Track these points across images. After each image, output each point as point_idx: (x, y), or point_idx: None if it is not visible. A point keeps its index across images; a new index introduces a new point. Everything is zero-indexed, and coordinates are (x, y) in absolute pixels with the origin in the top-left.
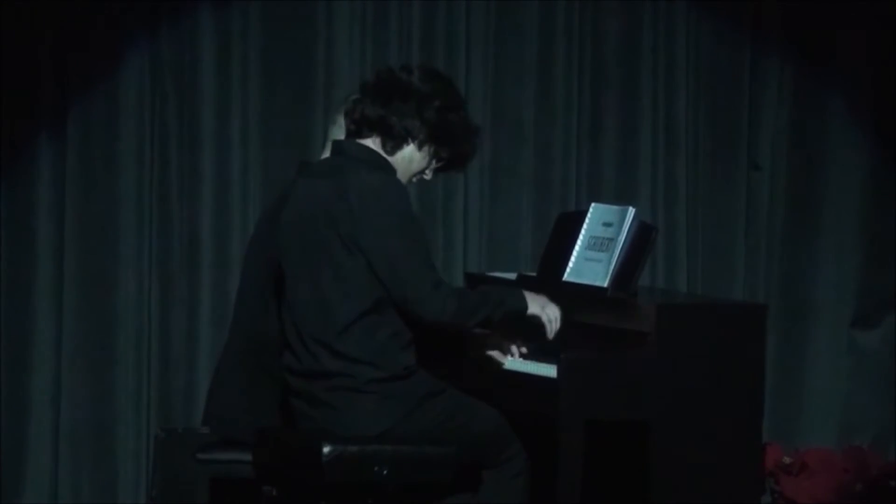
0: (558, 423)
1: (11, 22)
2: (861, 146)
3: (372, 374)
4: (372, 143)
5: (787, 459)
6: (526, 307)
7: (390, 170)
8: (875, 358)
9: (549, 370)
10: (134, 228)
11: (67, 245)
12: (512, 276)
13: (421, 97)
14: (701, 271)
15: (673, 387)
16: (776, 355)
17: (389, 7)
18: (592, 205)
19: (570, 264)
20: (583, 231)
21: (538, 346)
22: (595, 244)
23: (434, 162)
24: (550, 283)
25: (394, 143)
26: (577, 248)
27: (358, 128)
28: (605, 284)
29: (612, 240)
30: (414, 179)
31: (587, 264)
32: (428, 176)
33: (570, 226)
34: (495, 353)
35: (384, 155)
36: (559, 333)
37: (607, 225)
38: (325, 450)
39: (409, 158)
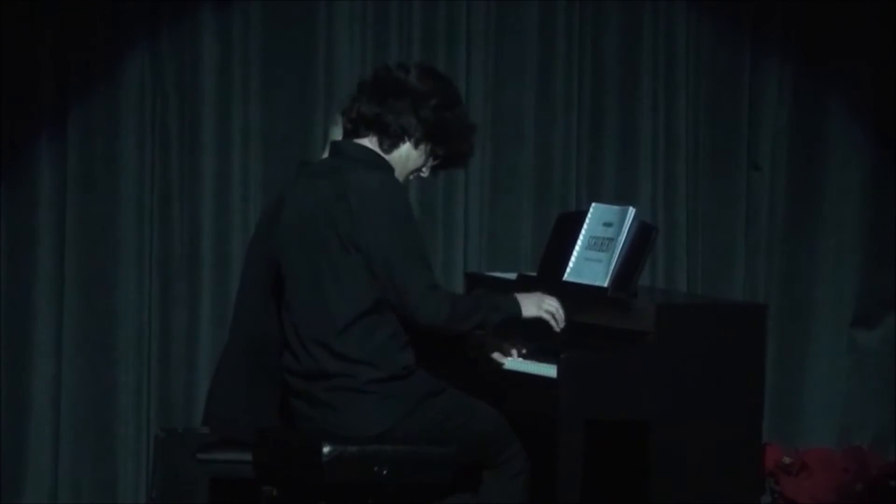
0: (558, 423)
1: (12, 22)
2: (861, 146)
3: (371, 375)
4: (369, 142)
5: (787, 459)
6: (520, 312)
7: (388, 169)
8: (875, 358)
9: (549, 370)
10: (134, 228)
11: (68, 245)
12: (512, 276)
13: (417, 95)
14: (701, 271)
15: (673, 387)
16: (776, 355)
17: (390, 7)
18: (592, 205)
19: (571, 264)
20: (583, 231)
21: (538, 346)
22: (595, 244)
23: (431, 160)
24: (550, 283)
25: (391, 142)
26: (577, 248)
27: (355, 127)
28: (605, 284)
29: (612, 240)
30: (411, 177)
31: (587, 264)
32: (425, 173)
33: (570, 226)
34: (495, 354)
35: (381, 154)
36: (565, 322)
37: (607, 225)
38: (325, 450)
39: (406, 156)
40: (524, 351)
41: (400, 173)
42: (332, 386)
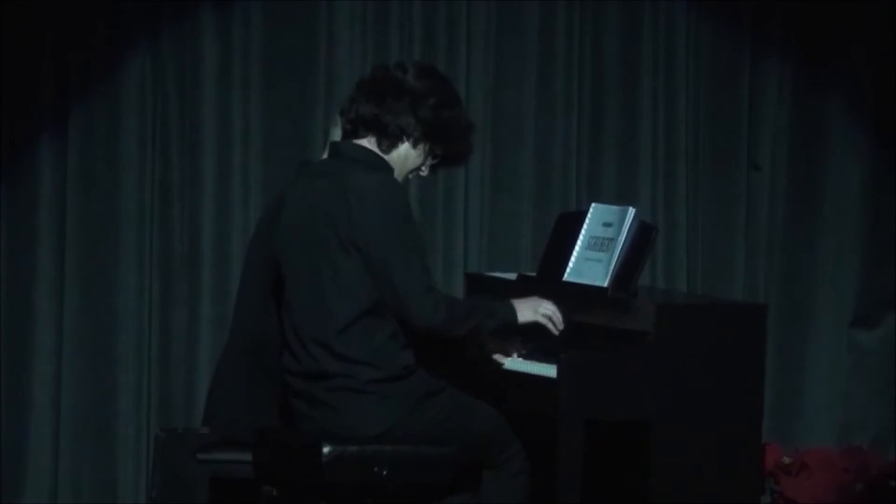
0: (558, 423)
1: (12, 21)
2: (861, 146)
3: (371, 375)
4: (368, 142)
5: (786, 459)
6: (517, 318)
7: (388, 169)
8: (875, 358)
9: (549, 370)
10: (135, 228)
11: (68, 245)
12: (512, 276)
13: (415, 95)
14: (701, 271)
15: (673, 387)
16: (776, 355)
17: (390, 7)
18: (592, 205)
19: (570, 264)
20: (583, 231)
21: (538, 346)
22: (595, 244)
23: (430, 159)
24: (550, 283)
25: (389, 142)
26: (577, 248)
27: (354, 127)
28: (605, 284)
29: (612, 240)
30: (410, 176)
31: (587, 264)
32: (424, 172)
33: (570, 226)
34: (495, 354)
35: (380, 154)
36: (563, 324)
37: (607, 225)
38: (325, 450)
39: (405, 156)
40: (524, 351)
41: (399, 173)
42: (332, 386)
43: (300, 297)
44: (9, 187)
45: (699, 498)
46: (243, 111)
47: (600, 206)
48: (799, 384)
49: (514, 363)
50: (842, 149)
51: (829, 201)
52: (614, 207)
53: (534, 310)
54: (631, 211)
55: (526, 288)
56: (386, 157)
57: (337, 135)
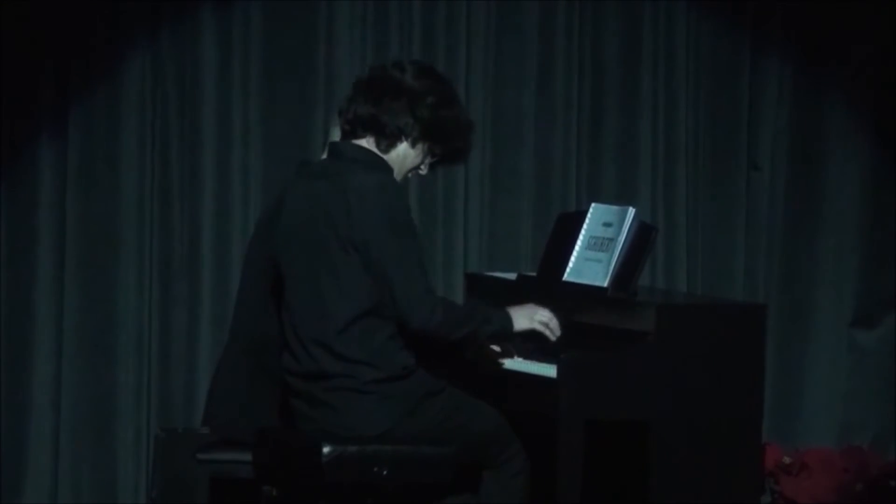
0: (558, 423)
1: (12, 22)
2: (861, 146)
3: (372, 375)
4: (366, 142)
5: (787, 459)
6: (513, 326)
7: (387, 170)
8: (875, 358)
9: (549, 370)
10: (134, 228)
11: (68, 245)
12: (512, 276)
13: (413, 94)
14: (701, 271)
15: (673, 387)
16: (776, 355)
17: (390, 7)
18: (592, 205)
19: (570, 264)
20: (583, 231)
21: (538, 346)
22: (595, 244)
23: (429, 158)
24: (550, 283)
25: (388, 142)
26: (577, 248)
27: (352, 128)
28: (605, 284)
29: (612, 240)
30: (409, 175)
31: (587, 264)
32: (424, 171)
33: (570, 226)
34: (496, 352)
35: (379, 154)
36: (560, 330)
37: (607, 225)
38: (325, 450)
39: (404, 156)
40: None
41: (398, 172)
42: (333, 386)
43: (300, 297)
44: (9, 187)
45: (699, 498)
46: (243, 111)
47: (600, 206)
48: (799, 384)
49: (514, 363)
50: (842, 149)
51: (829, 201)
52: (614, 207)
53: (530, 317)
54: (631, 211)
55: (526, 288)
56: (385, 156)
57: (336, 135)
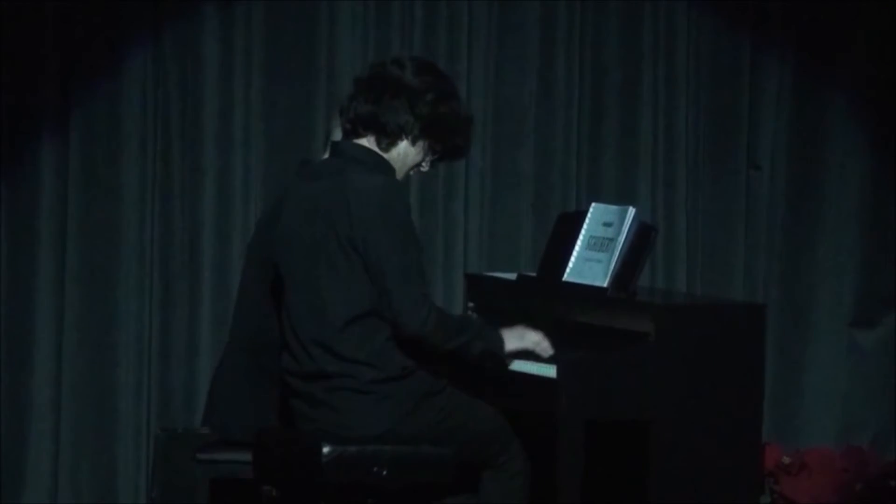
0: (558, 423)
1: (14, 19)
2: (861, 146)
3: (371, 375)
4: (367, 141)
5: (786, 459)
6: (503, 346)
7: (389, 170)
8: (874, 358)
9: (549, 370)
10: (135, 227)
11: (69, 244)
12: (512, 276)
13: (412, 92)
14: (701, 271)
15: (673, 387)
16: (776, 355)
17: (391, 7)
18: (592, 205)
19: (570, 264)
20: (583, 231)
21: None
22: (595, 244)
23: (430, 155)
24: (550, 283)
25: (388, 141)
26: (577, 248)
27: (353, 127)
28: (605, 284)
29: (612, 240)
30: (411, 172)
31: (587, 264)
32: (425, 168)
33: (570, 226)
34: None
35: (380, 153)
36: (552, 350)
37: (607, 225)
38: (325, 450)
39: (405, 154)
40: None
41: (400, 170)
42: (332, 386)
43: (299, 297)
44: (9, 187)
45: (699, 498)
46: (244, 111)
47: (600, 205)
48: (799, 384)
49: (514, 363)
50: (842, 149)
51: (829, 201)
52: (614, 207)
53: (521, 338)
54: (631, 211)
55: (526, 287)
56: (386, 155)
57: (338, 134)
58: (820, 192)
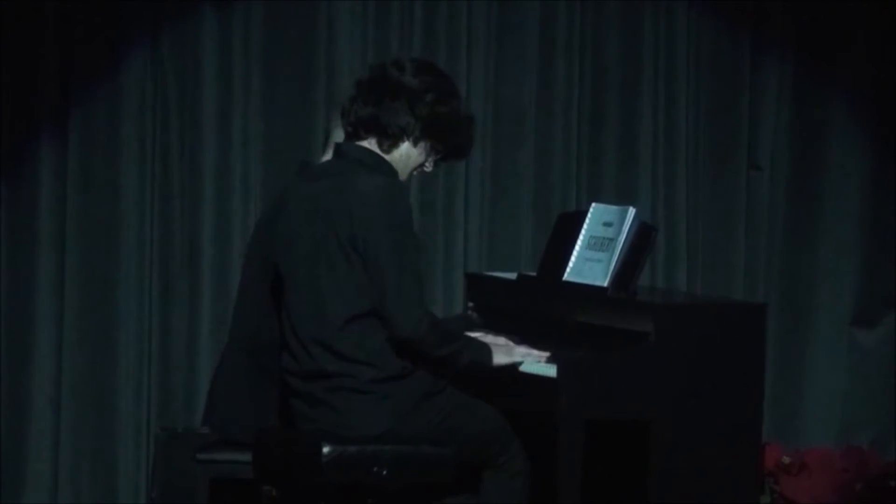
0: (558, 423)
1: (13, 20)
2: (861, 146)
3: (371, 375)
4: (369, 143)
5: (786, 459)
6: (491, 360)
7: (391, 172)
8: (875, 357)
9: (549, 370)
10: (135, 228)
11: (68, 245)
12: (512, 276)
13: (412, 93)
14: (701, 271)
15: (673, 387)
16: (776, 355)
17: (391, 7)
18: (593, 205)
19: (570, 264)
20: (583, 231)
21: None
22: (595, 244)
23: (432, 155)
24: (550, 282)
25: (390, 143)
26: (577, 248)
27: (355, 130)
28: (605, 284)
29: (613, 240)
30: (415, 173)
31: (587, 264)
32: (429, 168)
33: (570, 226)
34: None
35: (382, 155)
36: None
37: (607, 225)
38: (325, 450)
39: (407, 155)
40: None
41: (402, 172)
42: (332, 386)
43: (299, 296)
44: (9, 187)
45: (699, 498)
46: (243, 111)
47: (600, 205)
48: (799, 384)
49: None
50: (842, 148)
51: (829, 201)
52: (614, 207)
53: (509, 352)
54: (631, 211)
55: (526, 287)
56: (388, 157)
57: (340, 136)
58: (820, 192)
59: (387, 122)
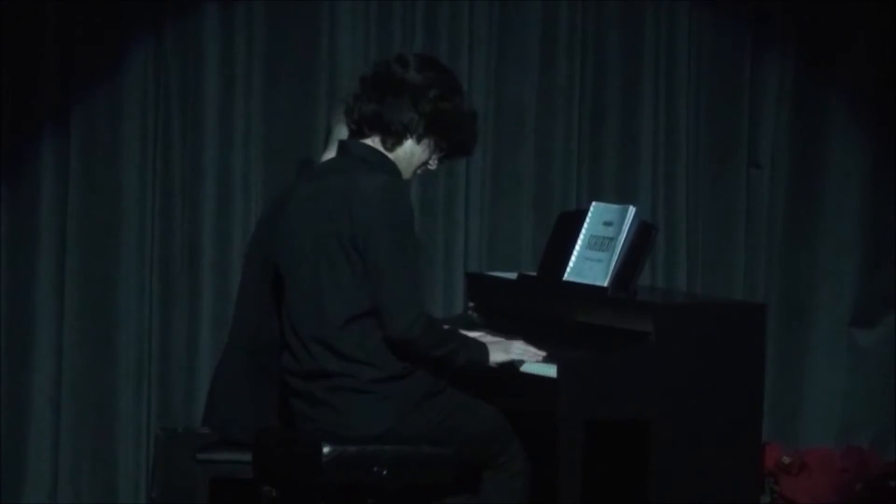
0: (558, 423)
1: (14, 18)
2: (861, 146)
3: (372, 375)
4: (373, 141)
5: (786, 459)
6: (488, 358)
7: (393, 171)
8: (874, 357)
9: (549, 370)
10: (136, 228)
11: (69, 245)
12: (512, 275)
13: (415, 90)
14: (701, 271)
15: (673, 387)
16: (776, 355)
17: (393, 6)
18: (593, 204)
19: (571, 264)
20: (583, 230)
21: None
22: (595, 244)
23: (436, 152)
24: (551, 282)
25: (393, 140)
26: (577, 247)
27: (359, 127)
28: (605, 284)
29: (613, 239)
30: (419, 171)
31: (587, 264)
32: (433, 166)
33: (570, 225)
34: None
35: (386, 153)
36: (538, 357)
37: (608, 224)
38: (325, 450)
39: (410, 153)
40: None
41: (406, 170)
42: (333, 386)
43: (299, 295)
44: (10, 187)
45: (699, 498)
46: (245, 110)
47: (601, 205)
48: (799, 384)
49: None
50: (842, 148)
51: (829, 200)
52: (615, 206)
53: (506, 350)
54: (631, 210)
55: (526, 287)
56: (391, 155)
57: (341, 132)
58: (820, 191)
59: (390, 119)
